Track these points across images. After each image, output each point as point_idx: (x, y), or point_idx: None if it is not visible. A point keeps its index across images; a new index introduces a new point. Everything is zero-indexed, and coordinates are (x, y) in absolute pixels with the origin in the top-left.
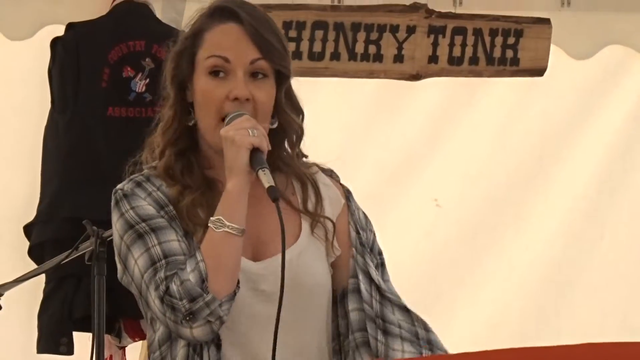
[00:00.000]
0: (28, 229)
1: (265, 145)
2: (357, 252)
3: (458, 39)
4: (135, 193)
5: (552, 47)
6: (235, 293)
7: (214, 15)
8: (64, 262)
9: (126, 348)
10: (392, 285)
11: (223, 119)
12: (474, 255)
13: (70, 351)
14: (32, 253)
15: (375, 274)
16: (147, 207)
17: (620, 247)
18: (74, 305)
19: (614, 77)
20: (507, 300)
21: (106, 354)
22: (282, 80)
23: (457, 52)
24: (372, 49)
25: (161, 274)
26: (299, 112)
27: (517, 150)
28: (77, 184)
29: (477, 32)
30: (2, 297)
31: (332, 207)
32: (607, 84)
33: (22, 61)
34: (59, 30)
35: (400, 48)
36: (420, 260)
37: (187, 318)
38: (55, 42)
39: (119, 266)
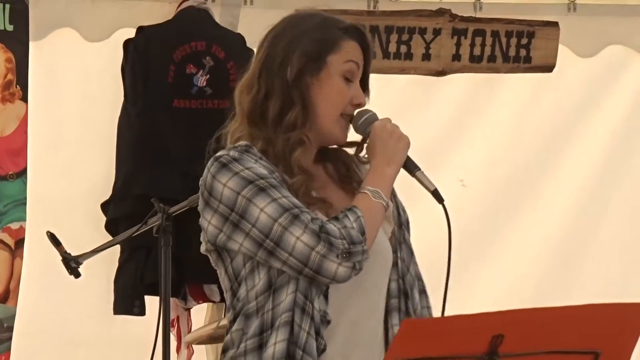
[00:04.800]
0: (104, 207)
1: None
2: (400, 230)
3: (478, 40)
4: (244, 158)
5: (560, 47)
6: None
7: (350, 32)
8: (135, 234)
9: (191, 310)
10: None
11: (340, 115)
12: (494, 229)
13: (142, 312)
14: (108, 227)
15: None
16: (260, 168)
17: (622, 221)
18: (145, 272)
19: (614, 73)
20: (523, 268)
21: (173, 315)
22: None
23: (477, 51)
24: (403, 48)
25: (306, 216)
26: None
27: (531, 137)
28: (147, 166)
29: (495, 34)
30: (81, 266)
31: None
32: (608, 79)
33: (99, 59)
34: (131, 33)
35: (427, 48)
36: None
37: (344, 255)
38: (127, 43)
39: (212, 226)
